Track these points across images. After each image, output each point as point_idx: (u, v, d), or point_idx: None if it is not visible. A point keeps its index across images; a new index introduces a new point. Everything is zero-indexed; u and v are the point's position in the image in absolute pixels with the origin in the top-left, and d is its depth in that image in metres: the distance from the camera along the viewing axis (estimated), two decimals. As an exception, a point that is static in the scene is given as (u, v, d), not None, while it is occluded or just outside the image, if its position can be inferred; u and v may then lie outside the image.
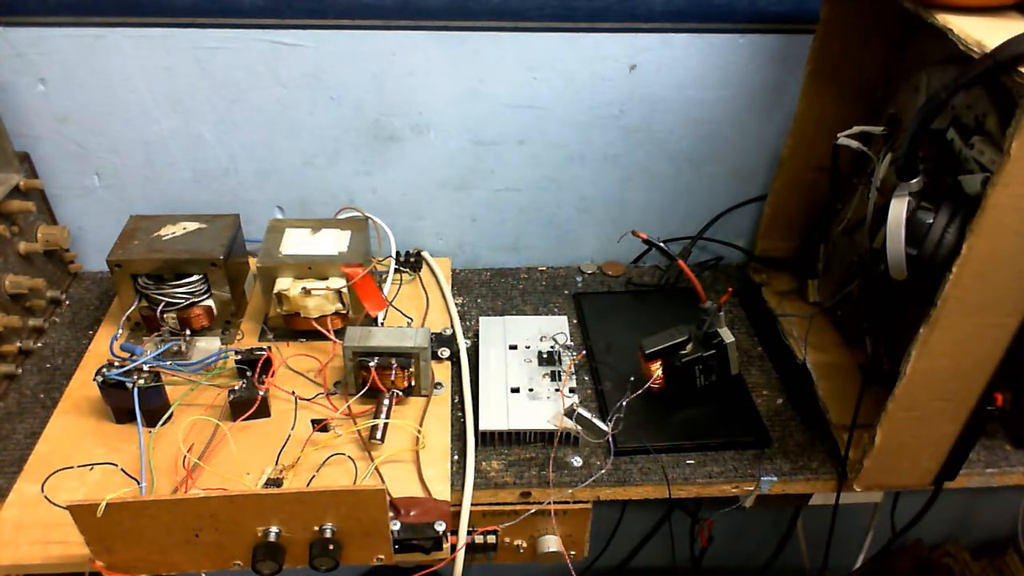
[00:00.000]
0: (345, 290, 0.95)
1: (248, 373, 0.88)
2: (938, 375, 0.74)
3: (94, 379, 0.83)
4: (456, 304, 1.09)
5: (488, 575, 1.59)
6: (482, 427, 0.88)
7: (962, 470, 0.84)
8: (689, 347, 0.92)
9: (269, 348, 0.91)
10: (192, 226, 0.99)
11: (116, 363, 0.85)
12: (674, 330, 0.92)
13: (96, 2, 0.96)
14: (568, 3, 0.99)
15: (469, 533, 0.82)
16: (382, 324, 1.00)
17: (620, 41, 1.03)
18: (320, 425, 0.86)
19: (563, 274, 1.21)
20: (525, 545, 0.89)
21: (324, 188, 1.14)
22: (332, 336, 0.95)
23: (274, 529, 0.70)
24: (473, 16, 1.00)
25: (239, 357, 0.89)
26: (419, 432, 0.87)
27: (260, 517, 0.69)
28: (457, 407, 0.93)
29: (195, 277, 0.95)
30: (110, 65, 1.01)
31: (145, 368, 0.85)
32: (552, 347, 0.98)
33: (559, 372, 0.95)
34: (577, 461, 0.87)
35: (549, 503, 0.84)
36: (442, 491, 0.81)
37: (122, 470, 0.80)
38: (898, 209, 0.74)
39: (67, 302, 1.09)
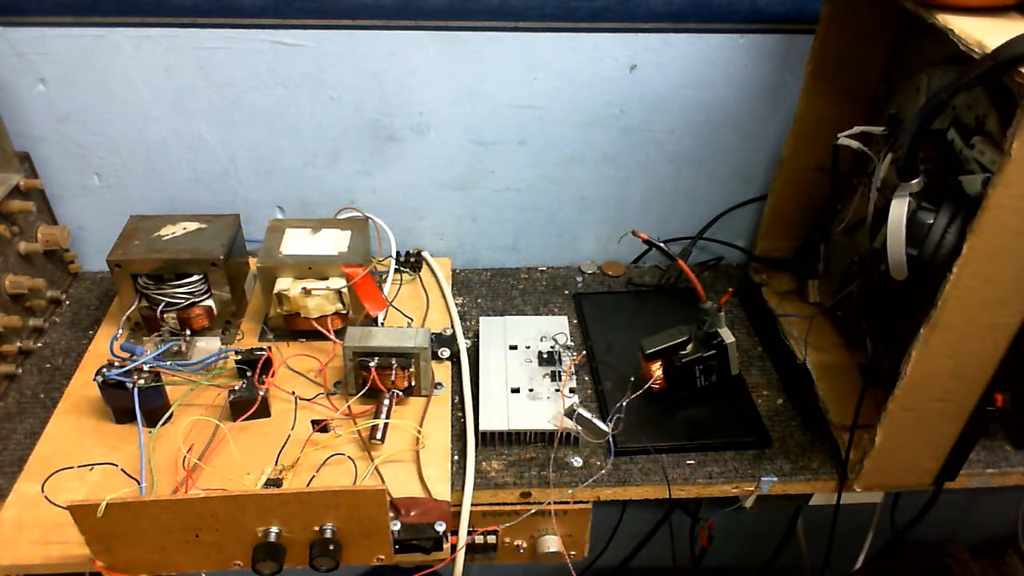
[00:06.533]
0: (345, 290, 0.95)
1: (248, 373, 0.88)
2: (938, 375, 0.74)
3: (94, 379, 0.83)
4: (456, 304, 1.09)
5: (488, 575, 1.59)
6: (482, 427, 0.88)
7: (962, 470, 0.84)
8: (689, 347, 0.92)
9: (269, 348, 0.91)
10: (192, 226, 0.99)
11: (116, 363, 0.85)
12: (674, 330, 0.92)
13: (96, 2, 0.96)
14: (568, 3, 0.99)
15: (469, 533, 0.82)
16: (382, 324, 1.00)
17: (620, 41, 1.03)
18: (320, 425, 0.86)
19: (563, 274, 1.21)
20: (525, 545, 0.89)
21: (324, 188, 1.14)
22: (332, 336, 0.95)
23: (274, 529, 0.70)
24: (473, 16, 1.00)
25: (239, 357, 0.89)
26: (419, 432, 0.87)
27: (260, 517, 0.69)
28: (457, 407, 0.93)
29: (195, 277, 0.94)
30: (110, 65, 1.01)
31: (145, 368, 0.85)
32: (552, 347, 0.98)
33: (559, 372, 0.95)
34: (577, 461, 0.87)
35: (549, 503, 0.84)
36: (442, 491, 0.81)
37: (122, 470, 0.80)
38: (899, 209, 0.74)
39: (67, 302, 1.09)
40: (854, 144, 0.86)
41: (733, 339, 0.91)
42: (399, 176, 1.13)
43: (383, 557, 0.74)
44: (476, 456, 0.87)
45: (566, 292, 1.16)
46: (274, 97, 1.05)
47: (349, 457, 0.83)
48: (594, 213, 1.19)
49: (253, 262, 1.07)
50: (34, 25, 0.97)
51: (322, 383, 0.92)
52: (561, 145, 1.11)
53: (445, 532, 0.77)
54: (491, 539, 0.86)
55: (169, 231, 0.97)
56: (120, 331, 0.96)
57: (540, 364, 0.96)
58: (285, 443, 0.84)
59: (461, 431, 0.90)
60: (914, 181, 0.74)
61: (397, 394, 0.89)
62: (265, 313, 1.01)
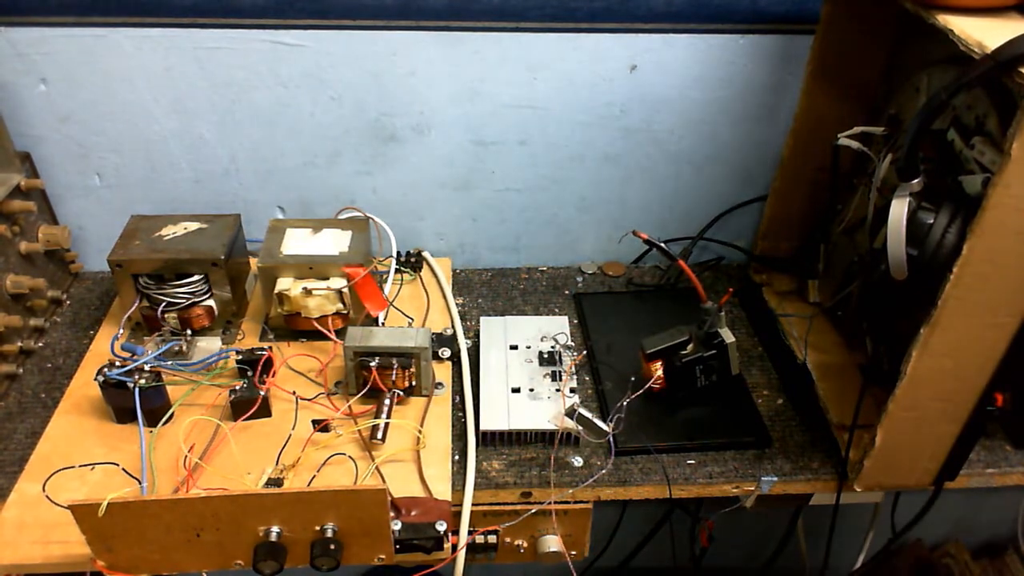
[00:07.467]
0: (346, 290, 0.95)
1: (249, 373, 0.88)
2: (938, 375, 0.74)
3: (95, 379, 0.83)
4: (457, 304, 1.09)
5: (489, 575, 1.59)
6: (483, 427, 0.88)
7: (962, 470, 0.84)
8: (690, 347, 0.92)
9: (270, 348, 0.91)
10: (193, 226, 0.99)
11: (117, 363, 0.85)
12: (675, 330, 0.93)
13: (96, 2, 0.96)
14: (568, 3, 0.99)
15: (470, 533, 0.82)
16: (383, 324, 1.00)
17: (620, 41, 1.03)
18: (321, 425, 0.86)
19: (563, 274, 1.21)
20: (526, 545, 0.89)
21: (325, 188, 1.14)
22: (333, 336, 0.95)
23: (275, 529, 0.70)
24: (474, 16, 1.00)
25: (240, 357, 0.89)
26: (420, 432, 0.87)
27: (261, 517, 0.69)
28: (458, 407, 0.93)
29: (196, 277, 0.95)
30: (111, 65, 1.01)
31: (146, 368, 0.85)
32: (553, 347, 0.98)
33: (560, 372, 0.95)
34: (578, 461, 0.88)
35: (550, 503, 0.84)
36: (443, 491, 0.81)
37: (123, 470, 0.80)
38: (899, 209, 0.74)
39: (68, 302, 1.10)
40: (854, 144, 0.86)
41: (733, 339, 0.91)
42: (399, 176, 1.13)
43: (384, 557, 0.75)
44: (477, 456, 0.87)
45: (566, 292, 1.16)
46: (274, 97, 1.05)
47: (350, 457, 0.83)
48: (594, 213, 1.19)
49: (254, 262, 1.07)
50: (35, 25, 0.97)
51: (323, 383, 0.93)
52: (561, 145, 1.12)
53: (446, 532, 0.77)
54: (491, 539, 0.86)
55: (170, 231, 0.97)
56: (121, 331, 0.96)
57: (540, 364, 0.96)
58: (286, 443, 0.84)
59: (462, 431, 0.90)
60: (914, 181, 0.74)
61: (398, 394, 0.89)
62: (266, 313, 1.01)
